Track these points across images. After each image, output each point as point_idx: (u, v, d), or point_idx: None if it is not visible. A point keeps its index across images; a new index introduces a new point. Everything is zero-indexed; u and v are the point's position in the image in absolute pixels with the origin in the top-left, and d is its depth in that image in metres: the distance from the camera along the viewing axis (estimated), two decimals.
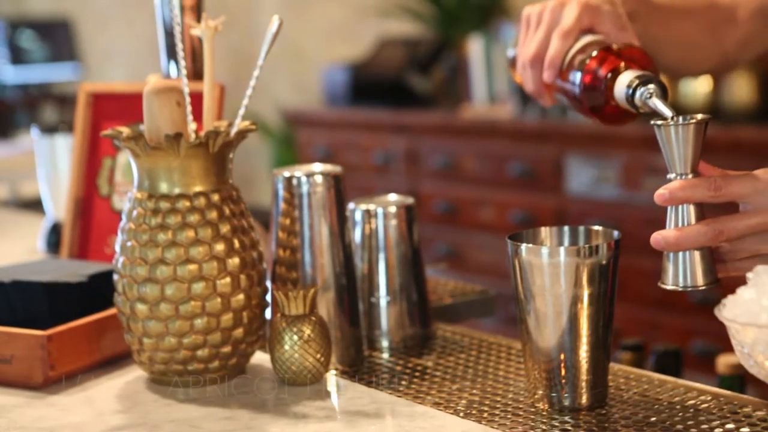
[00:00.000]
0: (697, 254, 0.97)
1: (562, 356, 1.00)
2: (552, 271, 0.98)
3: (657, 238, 0.97)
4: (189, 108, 1.14)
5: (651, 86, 1.03)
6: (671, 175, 0.97)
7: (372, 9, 4.61)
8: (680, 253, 0.97)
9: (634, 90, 1.04)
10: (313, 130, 4.43)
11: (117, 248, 1.14)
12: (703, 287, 0.98)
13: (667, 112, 0.99)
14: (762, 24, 1.32)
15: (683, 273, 0.97)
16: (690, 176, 0.97)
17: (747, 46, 1.34)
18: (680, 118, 0.97)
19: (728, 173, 0.99)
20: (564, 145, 3.38)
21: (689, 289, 0.98)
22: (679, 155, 0.97)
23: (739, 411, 0.99)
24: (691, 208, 0.97)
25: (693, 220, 0.97)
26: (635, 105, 1.05)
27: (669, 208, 0.98)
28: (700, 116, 0.97)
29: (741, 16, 1.31)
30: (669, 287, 0.98)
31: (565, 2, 1.17)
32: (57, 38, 6.16)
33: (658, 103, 1.01)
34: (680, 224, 0.97)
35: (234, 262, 1.11)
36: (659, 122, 0.97)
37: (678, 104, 3.25)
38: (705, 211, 0.98)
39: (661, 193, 0.97)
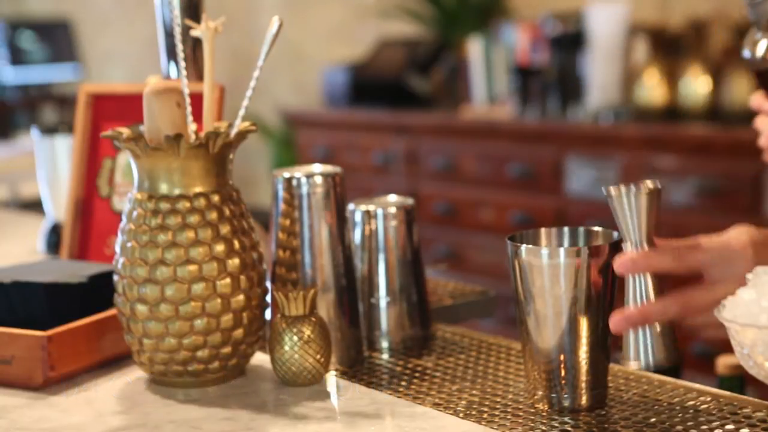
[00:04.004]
0: (659, 329, 0.95)
1: (562, 357, 1.00)
2: (552, 272, 0.98)
3: (618, 320, 0.94)
4: (189, 109, 1.14)
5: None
6: (626, 245, 0.96)
7: (372, 10, 4.61)
8: (641, 329, 0.95)
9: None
10: (313, 131, 4.43)
11: (117, 249, 1.14)
12: (668, 364, 0.96)
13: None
14: None
15: (645, 350, 0.95)
16: (646, 246, 0.95)
17: None
18: (632, 188, 0.95)
19: (690, 243, 0.97)
20: (564, 146, 3.38)
21: (652, 368, 0.96)
22: (632, 224, 0.95)
23: (739, 412, 0.99)
24: (649, 279, 0.95)
25: (651, 291, 0.95)
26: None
27: (628, 278, 0.96)
28: (650, 185, 0.95)
29: None
30: (631, 366, 0.97)
31: None
32: (57, 39, 6.15)
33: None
34: (639, 296, 0.95)
35: (234, 262, 1.11)
36: (611, 193, 0.95)
37: (679, 105, 3.25)
38: (661, 281, 0.96)
39: (622, 264, 0.95)
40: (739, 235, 0.99)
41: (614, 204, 0.94)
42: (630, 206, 0.94)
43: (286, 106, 4.86)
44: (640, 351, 0.95)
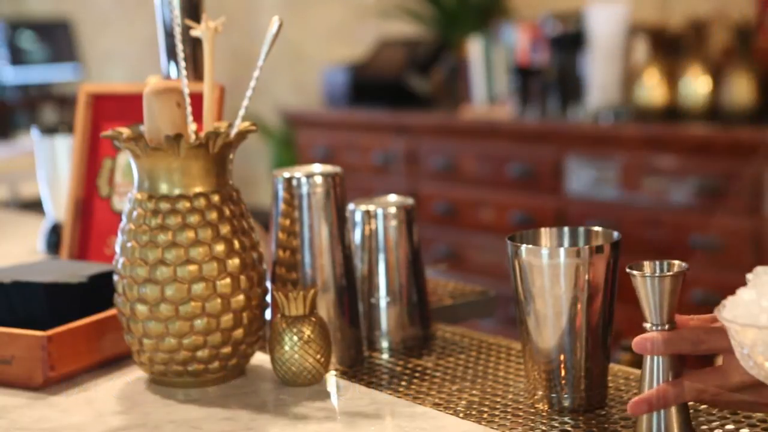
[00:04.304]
0: (672, 409, 0.94)
1: (562, 357, 1.00)
2: (552, 272, 0.98)
3: (637, 403, 0.93)
4: (189, 109, 1.14)
5: None
6: (647, 325, 0.94)
7: (372, 10, 4.61)
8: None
9: None
10: (313, 131, 4.43)
11: (117, 249, 1.14)
12: None
13: None
14: None
15: (657, 428, 0.94)
16: (666, 327, 0.94)
17: None
18: (657, 269, 0.93)
19: (709, 326, 0.96)
20: (564, 146, 3.38)
21: None
22: (654, 306, 0.93)
23: (739, 412, 0.99)
24: (667, 360, 0.94)
25: (668, 373, 0.94)
26: None
27: (646, 357, 0.95)
28: (676, 266, 0.92)
29: None
30: None
31: None
32: (57, 39, 6.15)
33: None
34: (656, 377, 0.94)
35: (234, 262, 1.11)
36: (634, 272, 0.93)
37: (679, 105, 3.25)
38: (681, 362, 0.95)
39: (641, 343, 0.93)
40: None
41: (637, 284, 0.92)
42: (653, 288, 0.92)
43: (286, 106, 4.86)
44: (653, 428, 0.93)
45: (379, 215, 1.24)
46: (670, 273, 0.91)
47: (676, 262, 0.92)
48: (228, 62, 4.85)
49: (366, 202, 1.26)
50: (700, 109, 3.19)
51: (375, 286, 1.24)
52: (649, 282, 0.91)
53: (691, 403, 1.01)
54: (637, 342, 0.94)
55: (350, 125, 4.24)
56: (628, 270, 0.93)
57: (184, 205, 1.11)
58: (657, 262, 0.93)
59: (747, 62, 3.14)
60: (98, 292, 1.23)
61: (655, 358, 0.93)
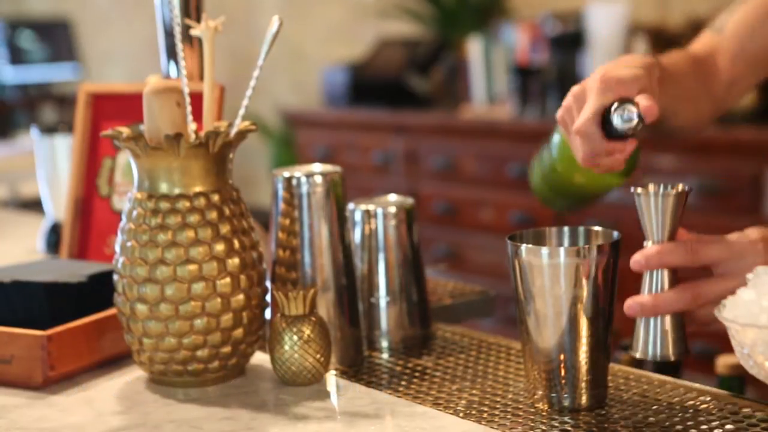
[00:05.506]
0: (669, 323, 0.95)
1: (562, 357, 1.00)
2: (552, 272, 0.98)
3: (631, 304, 0.96)
4: (189, 108, 1.14)
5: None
6: (647, 243, 0.95)
7: (371, 10, 4.61)
8: (652, 321, 0.96)
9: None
10: (313, 131, 4.43)
11: (117, 248, 1.14)
12: (675, 358, 0.97)
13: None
14: (744, 67, 1.34)
15: (653, 342, 0.95)
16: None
17: (732, 89, 1.36)
18: (660, 188, 0.95)
19: (703, 238, 0.98)
20: None
21: (658, 359, 0.97)
22: (657, 223, 0.94)
23: (739, 412, 0.99)
24: (665, 273, 0.95)
25: (667, 286, 0.96)
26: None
27: (645, 273, 0.96)
28: (680, 187, 0.95)
29: (721, 63, 1.33)
30: (638, 356, 0.98)
31: (584, 88, 1.07)
32: (57, 38, 6.16)
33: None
34: (654, 290, 0.96)
35: (234, 262, 1.11)
36: (639, 191, 0.95)
37: None
38: (678, 276, 0.97)
39: (636, 260, 0.96)
40: (751, 232, 1.01)
41: (641, 202, 0.95)
42: (656, 206, 0.94)
43: (286, 106, 4.86)
44: (649, 343, 0.95)
45: (379, 215, 1.24)
46: (675, 191, 0.92)
47: (680, 183, 0.94)
48: (228, 62, 4.85)
49: (366, 202, 1.26)
50: None
51: (375, 285, 1.24)
52: (653, 200, 0.93)
53: (691, 402, 1.01)
54: (633, 260, 0.95)
55: (350, 125, 4.24)
56: (632, 190, 0.95)
57: (184, 204, 1.11)
58: (661, 184, 0.94)
59: None
60: (98, 291, 1.23)
61: (654, 274, 0.95)
